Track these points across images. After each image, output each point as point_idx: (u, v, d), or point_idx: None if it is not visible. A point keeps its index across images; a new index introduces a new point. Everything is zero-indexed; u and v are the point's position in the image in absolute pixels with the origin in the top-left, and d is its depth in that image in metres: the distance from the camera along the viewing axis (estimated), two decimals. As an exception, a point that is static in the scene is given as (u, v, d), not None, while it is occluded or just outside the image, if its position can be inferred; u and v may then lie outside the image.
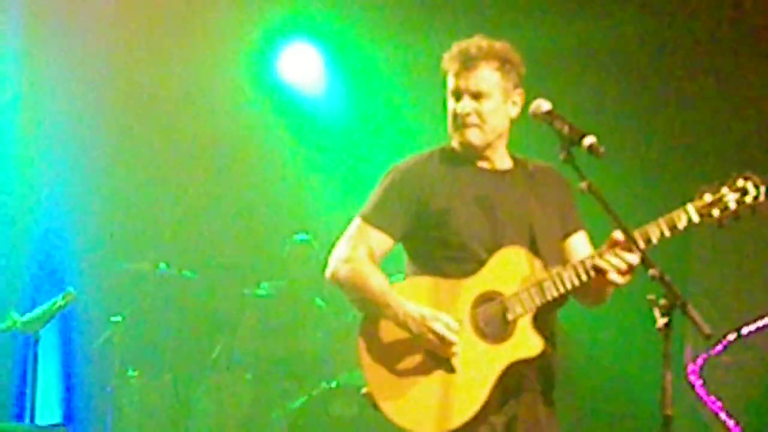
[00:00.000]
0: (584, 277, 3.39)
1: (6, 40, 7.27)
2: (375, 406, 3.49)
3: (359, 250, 3.55)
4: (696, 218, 3.37)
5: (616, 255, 3.34)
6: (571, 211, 3.65)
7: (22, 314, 6.15)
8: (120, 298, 7.13)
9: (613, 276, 3.35)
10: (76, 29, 7.36)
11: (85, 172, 7.48)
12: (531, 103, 3.42)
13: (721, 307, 6.81)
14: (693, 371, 6.75)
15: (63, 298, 6.12)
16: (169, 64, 7.52)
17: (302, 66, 7.94)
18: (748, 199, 3.37)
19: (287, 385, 6.72)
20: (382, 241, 3.57)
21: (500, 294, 3.44)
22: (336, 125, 7.99)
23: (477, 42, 3.57)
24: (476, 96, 3.54)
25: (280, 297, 7.16)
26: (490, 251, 3.47)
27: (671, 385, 2.98)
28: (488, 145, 3.58)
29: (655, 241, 3.35)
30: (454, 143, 3.62)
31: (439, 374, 3.42)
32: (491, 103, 3.54)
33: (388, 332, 3.48)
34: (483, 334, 3.43)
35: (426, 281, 3.51)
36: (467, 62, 3.53)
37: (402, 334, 3.45)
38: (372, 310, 3.51)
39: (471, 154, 3.60)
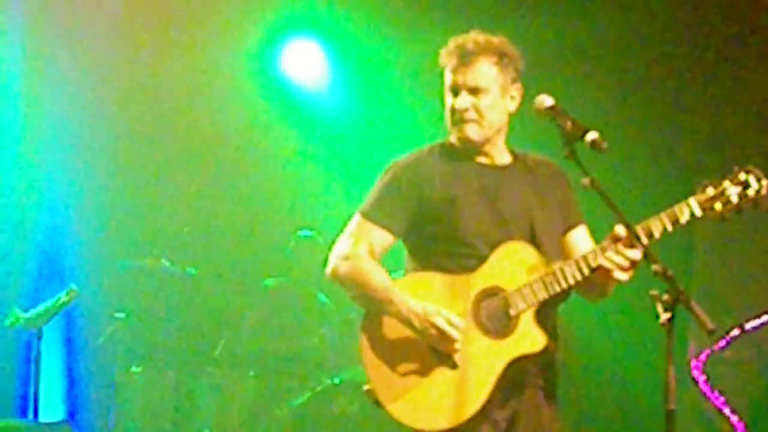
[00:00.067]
0: (587, 273, 3.38)
1: (8, 38, 7.26)
2: (377, 403, 3.48)
3: (360, 247, 3.52)
4: (698, 212, 3.35)
5: (619, 253, 3.33)
6: (571, 205, 3.64)
7: (26, 311, 6.15)
8: (123, 294, 7.15)
9: (617, 274, 3.34)
10: (78, 28, 7.36)
11: (88, 168, 7.47)
12: (529, 98, 3.41)
13: (725, 302, 6.80)
14: (696, 367, 6.73)
15: (66, 294, 6.11)
16: (171, 61, 7.51)
17: (305, 62, 7.94)
18: (751, 192, 3.35)
19: (290, 381, 6.70)
20: (382, 238, 3.55)
21: (502, 289, 3.42)
22: (339, 121, 7.98)
23: (474, 37, 3.54)
24: (474, 91, 3.51)
25: (284, 293, 7.15)
26: (492, 246, 3.46)
27: (674, 380, 2.98)
28: (487, 141, 3.56)
29: (657, 235, 3.34)
30: (453, 139, 3.60)
31: (441, 371, 3.41)
32: (489, 98, 3.52)
33: (390, 328, 3.46)
34: (485, 330, 3.42)
35: (427, 277, 3.49)
36: (464, 57, 3.51)
37: (404, 331, 3.43)
38: (374, 306, 3.49)
39: (470, 150, 3.58)
